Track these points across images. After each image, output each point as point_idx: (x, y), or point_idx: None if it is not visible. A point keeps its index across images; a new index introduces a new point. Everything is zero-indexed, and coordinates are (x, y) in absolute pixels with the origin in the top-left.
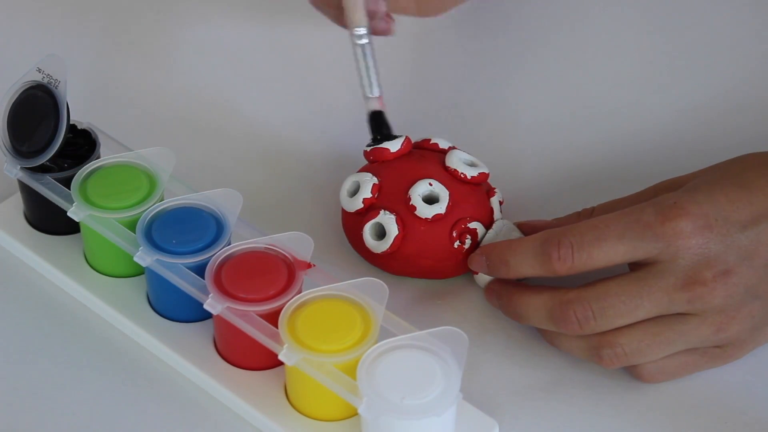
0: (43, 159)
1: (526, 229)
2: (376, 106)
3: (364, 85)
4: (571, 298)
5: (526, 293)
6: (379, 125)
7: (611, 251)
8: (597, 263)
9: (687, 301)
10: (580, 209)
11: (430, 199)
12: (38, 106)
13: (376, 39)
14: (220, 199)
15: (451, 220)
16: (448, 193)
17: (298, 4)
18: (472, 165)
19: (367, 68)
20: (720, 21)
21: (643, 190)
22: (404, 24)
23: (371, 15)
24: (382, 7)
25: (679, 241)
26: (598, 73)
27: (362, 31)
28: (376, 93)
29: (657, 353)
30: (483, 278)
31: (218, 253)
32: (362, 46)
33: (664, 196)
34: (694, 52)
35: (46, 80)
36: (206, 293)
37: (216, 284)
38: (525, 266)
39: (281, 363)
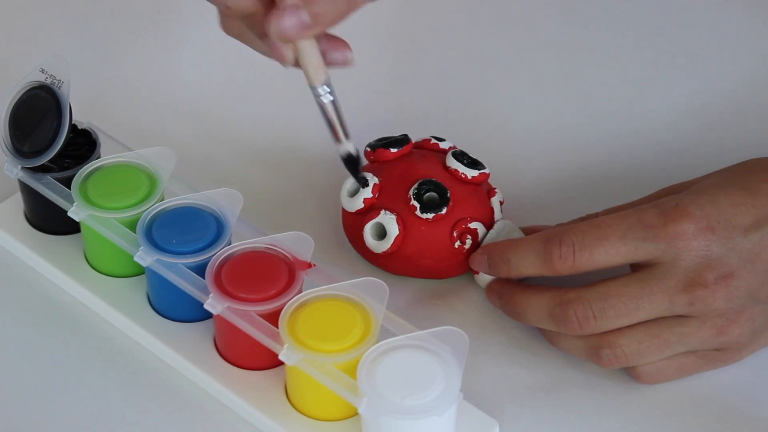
0: (44, 159)
1: (530, 233)
2: (348, 150)
3: (338, 136)
4: (571, 298)
5: (526, 293)
6: (354, 168)
7: (613, 251)
8: (598, 263)
9: (687, 303)
10: (581, 209)
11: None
12: (40, 106)
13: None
14: (220, 199)
15: (452, 220)
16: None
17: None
18: (472, 165)
19: (337, 121)
20: (721, 21)
21: (647, 196)
22: (404, 24)
23: (332, 62)
24: (348, 56)
25: (681, 242)
26: (599, 73)
27: (326, 89)
28: (349, 145)
29: (656, 355)
30: (484, 278)
31: (218, 253)
32: (329, 102)
33: (667, 198)
34: (696, 52)
35: (49, 80)
36: (206, 293)
37: (216, 284)
38: (526, 265)
39: (281, 363)
